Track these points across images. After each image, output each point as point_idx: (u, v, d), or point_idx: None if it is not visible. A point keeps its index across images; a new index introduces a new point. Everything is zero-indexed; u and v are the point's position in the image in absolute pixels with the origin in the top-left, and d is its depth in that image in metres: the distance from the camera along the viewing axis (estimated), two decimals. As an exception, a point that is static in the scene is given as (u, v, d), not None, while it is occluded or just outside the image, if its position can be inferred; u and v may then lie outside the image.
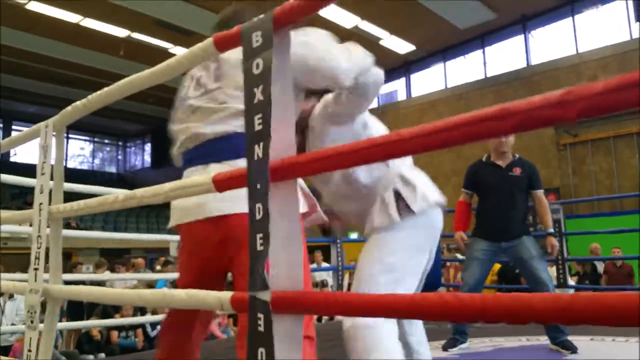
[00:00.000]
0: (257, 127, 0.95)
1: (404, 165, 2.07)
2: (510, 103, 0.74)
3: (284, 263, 0.97)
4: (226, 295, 1.12)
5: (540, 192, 4.07)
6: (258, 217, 0.93)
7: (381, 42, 16.05)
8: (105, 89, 1.58)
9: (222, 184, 1.14)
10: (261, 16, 1.05)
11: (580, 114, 0.63)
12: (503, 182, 4.04)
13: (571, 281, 7.55)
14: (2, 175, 3.65)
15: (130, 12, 13.59)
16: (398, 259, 1.88)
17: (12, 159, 21.48)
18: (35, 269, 1.86)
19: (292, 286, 0.98)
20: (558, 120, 0.67)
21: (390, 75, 18.69)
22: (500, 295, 0.70)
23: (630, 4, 13.65)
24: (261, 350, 0.92)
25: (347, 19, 14.44)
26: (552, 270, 8.30)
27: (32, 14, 13.64)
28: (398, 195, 1.95)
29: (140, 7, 13.42)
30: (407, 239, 1.92)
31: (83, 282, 6.26)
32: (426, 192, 2.00)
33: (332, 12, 13.87)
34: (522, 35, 15.77)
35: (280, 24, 1.01)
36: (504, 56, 16.12)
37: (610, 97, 0.61)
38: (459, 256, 9.23)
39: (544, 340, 4.04)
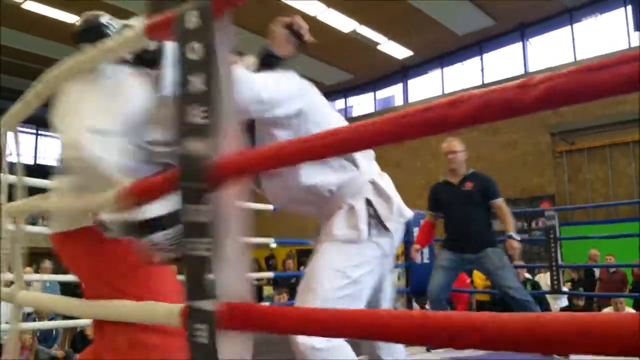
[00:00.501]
0: (196, 120, 0.85)
1: (373, 168, 1.90)
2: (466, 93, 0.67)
3: (231, 271, 0.87)
4: (177, 307, 1.04)
5: (499, 201, 4.18)
6: (197, 219, 0.84)
7: (379, 47, 16.00)
8: (48, 78, 1.52)
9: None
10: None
11: (541, 96, 0.57)
12: (456, 198, 4.24)
13: (565, 287, 7.49)
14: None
15: (131, 14, 13.50)
16: (360, 276, 1.68)
17: None
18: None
19: (240, 298, 0.88)
20: (518, 106, 0.60)
21: (387, 81, 18.66)
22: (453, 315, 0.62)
23: (630, 13, 13.63)
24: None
25: (345, 23, 14.40)
26: (546, 277, 8.26)
27: (28, 14, 13.59)
28: (369, 206, 1.74)
29: (139, 7, 13.35)
30: (371, 255, 1.73)
31: (79, 284, 6.20)
32: (402, 205, 1.83)
33: (330, 16, 13.83)
34: (521, 43, 15.74)
35: (218, 6, 0.90)
36: (502, 63, 16.09)
37: (572, 79, 0.54)
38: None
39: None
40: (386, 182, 1.88)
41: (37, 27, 14.26)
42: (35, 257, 7.73)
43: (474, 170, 4.33)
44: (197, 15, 0.87)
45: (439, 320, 0.66)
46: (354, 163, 1.81)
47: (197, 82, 0.84)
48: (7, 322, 5.91)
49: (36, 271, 8.06)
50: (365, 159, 1.87)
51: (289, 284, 9.10)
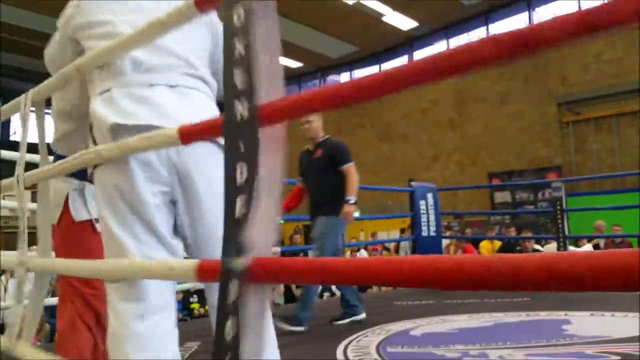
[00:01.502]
0: (240, 84, 0.89)
1: None
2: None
3: (262, 227, 0.91)
4: (190, 264, 1.07)
5: (346, 167, 4.18)
6: (240, 180, 0.88)
7: (383, 19, 15.85)
8: (78, 60, 1.54)
9: (188, 137, 1.09)
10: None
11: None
12: (309, 165, 4.35)
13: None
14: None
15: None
16: None
17: (12, 138, 21.47)
18: (22, 242, 1.85)
19: (266, 252, 0.92)
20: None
21: (393, 53, 18.52)
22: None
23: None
24: (231, 321, 0.87)
25: (348, -6, 14.26)
26: (553, 247, 8.31)
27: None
28: None
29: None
30: None
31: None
32: None
33: (333, -12, 13.68)
34: (527, 12, 15.56)
35: None
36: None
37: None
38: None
39: (544, 315, 4.04)
40: None
41: (39, 4, 14.16)
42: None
43: (327, 137, 4.36)
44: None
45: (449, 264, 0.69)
46: None
47: (239, 47, 0.88)
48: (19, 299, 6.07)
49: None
50: None
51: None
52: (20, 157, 1.88)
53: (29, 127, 1.92)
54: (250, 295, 0.87)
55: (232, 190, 0.89)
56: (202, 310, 7.55)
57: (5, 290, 7.29)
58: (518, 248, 8.66)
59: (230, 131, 0.90)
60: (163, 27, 1.24)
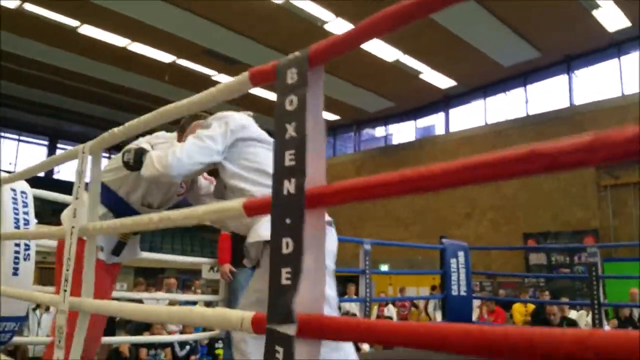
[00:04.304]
0: (288, 163, 0.96)
1: None
2: (539, 144, 0.74)
3: (308, 295, 0.97)
4: (248, 315, 1.13)
5: None
6: (286, 251, 0.94)
7: (421, 76, 16.08)
8: (142, 117, 1.65)
9: (252, 210, 1.17)
10: (296, 53, 1.07)
11: (606, 159, 0.64)
12: None
13: (608, 326, 7.29)
14: (42, 191, 3.80)
15: (177, 39, 14.02)
16: None
17: (55, 176, 22.16)
18: (65, 290, 1.91)
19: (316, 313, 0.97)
20: (584, 165, 0.67)
21: (429, 109, 18.67)
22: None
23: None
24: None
25: (388, 52, 14.55)
26: (582, 314, 8.07)
27: (83, 37, 14.13)
28: None
29: (189, 34, 13.84)
30: None
31: (117, 300, 6.36)
32: None
33: (373, 46, 14.00)
34: (566, 75, 15.58)
35: (315, 62, 1.04)
36: (547, 95, 15.94)
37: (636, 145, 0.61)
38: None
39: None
40: None
41: (89, 49, 14.77)
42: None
43: None
44: (296, 72, 1.00)
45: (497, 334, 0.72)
46: None
47: (290, 130, 0.96)
48: (47, 335, 6.17)
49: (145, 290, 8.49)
50: None
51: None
52: (77, 209, 1.96)
53: (84, 175, 2.02)
54: (297, 354, 0.92)
55: (277, 260, 0.95)
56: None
57: (38, 324, 7.45)
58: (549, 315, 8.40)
59: (277, 206, 0.97)
60: (215, 98, 1.34)
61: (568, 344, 0.63)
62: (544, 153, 0.72)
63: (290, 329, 0.92)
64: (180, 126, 2.33)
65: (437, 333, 0.75)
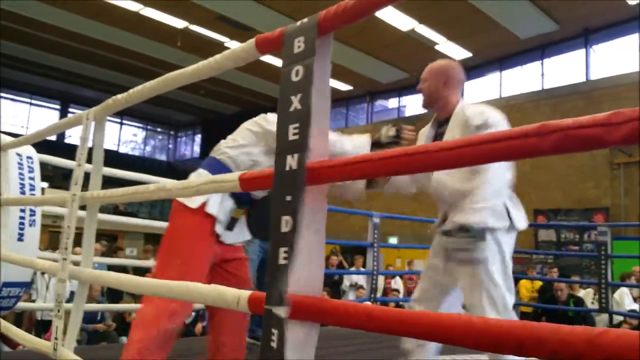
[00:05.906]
0: (292, 137, 0.91)
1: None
2: (552, 121, 0.69)
3: (305, 275, 0.92)
4: (244, 294, 1.10)
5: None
6: (285, 229, 0.89)
7: (437, 47, 15.79)
8: (147, 84, 1.59)
9: (247, 183, 1.13)
10: (305, 20, 1.01)
11: (626, 137, 0.59)
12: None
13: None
14: (53, 157, 3.78)
15: (191, 4, 13.86)
16: None
17: (66, 141, 22.23)
18: (64, 259, 1.89)
19: (313, 293, 0.93)
20: (600, 142, 0.62)
21: (443, 81, 18.39)
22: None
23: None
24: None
25: (403, 21, 14.28)
26: (589, 293, 8.03)
27: (96, 2, 13.99)
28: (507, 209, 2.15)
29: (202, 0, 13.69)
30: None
31: (124, 268, 6.44)
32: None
33: (388, 14, 13.73)
34: (584, 49, 15.26)
35: (324, 30, 0.97)
36: (564, 69, 15.63)
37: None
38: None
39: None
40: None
41: (103, 14, 14.68)
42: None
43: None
44: (303, 41, 0.94)
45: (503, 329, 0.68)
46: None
47: (295, 102, 0.90)
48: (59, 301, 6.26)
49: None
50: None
51: (331, 281, 8.98)
52: (78, 176, 1.93)
53: (88, 141, 1.97)
54: (291, 335, 0.89)
55: (276, 238, 0.91)
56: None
57: (47, 288, 7.52)
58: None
59: (279, 183, 0.92)
60: (220, 66, 1.28)
61: (578, 343, 0.58)
62: (555, 129, 0.67)
63: (282, 311, 0.88)
64: None
65: (441, 325, 0.71)
